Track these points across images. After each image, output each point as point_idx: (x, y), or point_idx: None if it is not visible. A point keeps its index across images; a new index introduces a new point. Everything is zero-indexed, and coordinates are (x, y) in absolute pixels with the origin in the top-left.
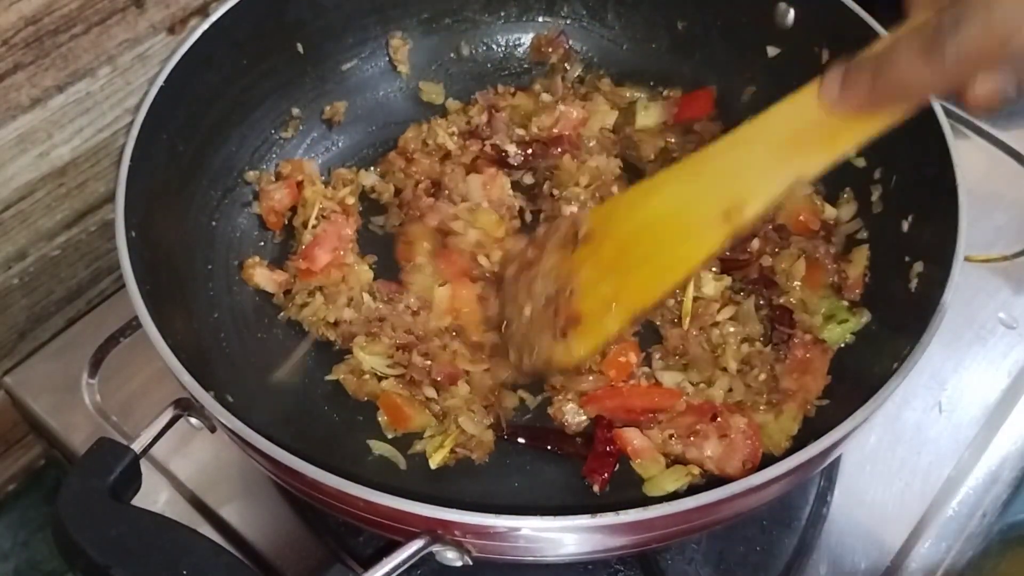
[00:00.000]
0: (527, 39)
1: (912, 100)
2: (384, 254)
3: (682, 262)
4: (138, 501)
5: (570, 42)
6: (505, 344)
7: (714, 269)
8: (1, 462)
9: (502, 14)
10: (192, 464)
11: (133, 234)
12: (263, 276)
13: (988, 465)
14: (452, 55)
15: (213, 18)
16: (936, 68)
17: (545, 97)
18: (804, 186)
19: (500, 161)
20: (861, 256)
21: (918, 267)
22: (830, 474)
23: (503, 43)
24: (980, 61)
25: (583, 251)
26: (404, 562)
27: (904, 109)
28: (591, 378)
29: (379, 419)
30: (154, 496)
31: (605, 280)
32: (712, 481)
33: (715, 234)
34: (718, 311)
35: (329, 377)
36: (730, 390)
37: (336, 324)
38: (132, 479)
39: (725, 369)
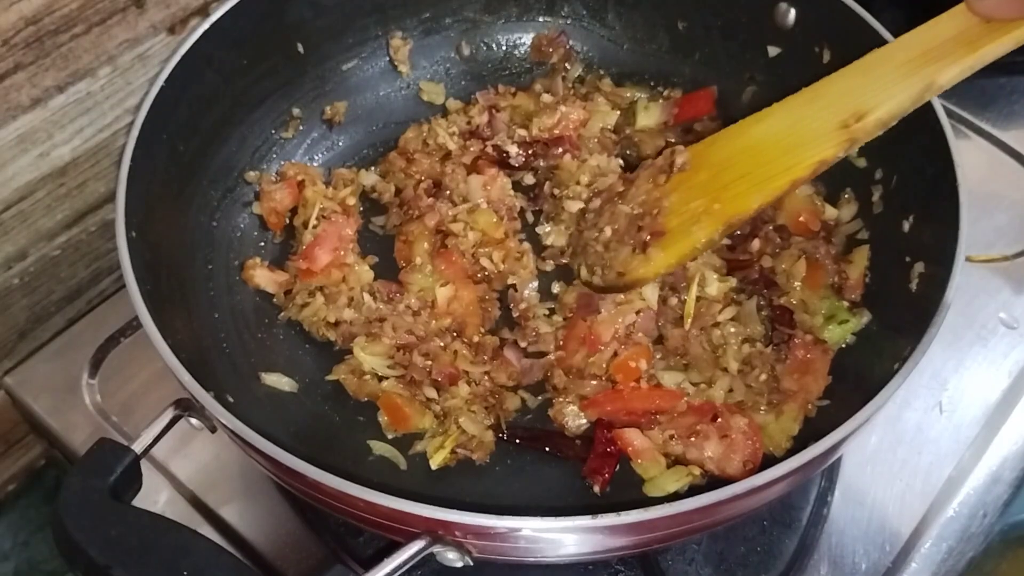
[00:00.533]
0: (528, 39)
1: None
2: (385, 254)
3: (787, 170)
4: (138, 501)
5: (571, 42)
6: (575, 266)
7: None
8: (1, 462)
9: (502, 14)
10: (192, 464)
11: (133, 234)
12: (263, 277)
13: (989, 465)
14: (452, 55)
15: (213, 18)
16: None
17: (546, 97)
18: (807, 186)
19: (501, 161)
20: (861, 256)
21: (919, 268)
22: (831, 474)
23: (503, 43)
24: None
25: (677, 178)
26: (405, 563)
27: None
28: (594, 382)
29: (380, 419)
30: (154, 496)
31: (697, 198)
32: (713, 482)
33: (829, 141)
34: (719, 312)
35: (329, 377)
36: (731, 390)
37: (336, 324)
38: (133, 479)
39: (726, 369)
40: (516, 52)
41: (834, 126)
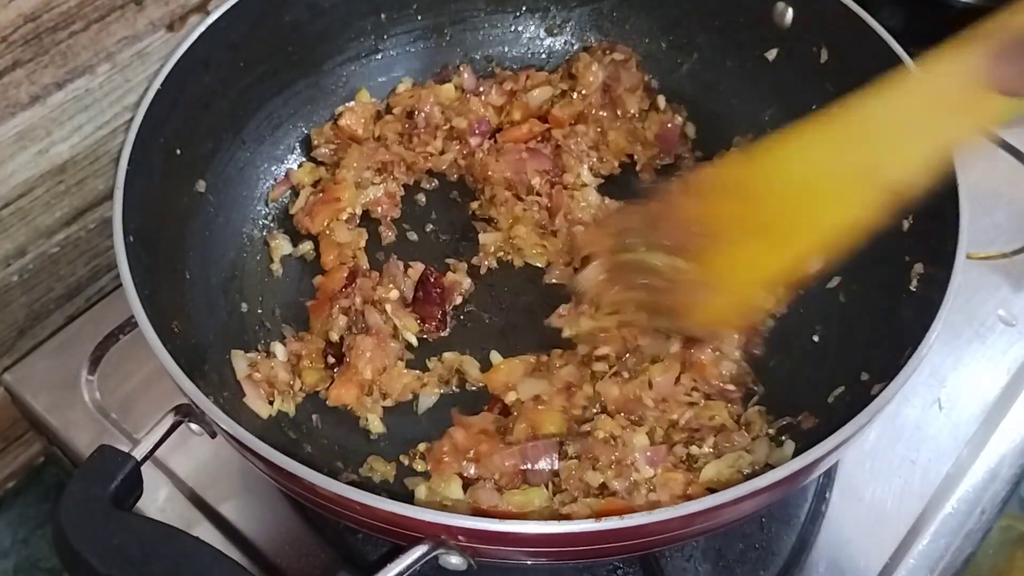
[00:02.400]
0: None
1: None
2: None
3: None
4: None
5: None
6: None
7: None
8: (1, 459)
9: (504, 16)
10: (192, 461)
11: (131, 239)
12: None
13: (987, 462)
14: (455, 59)
15: (210, 20)
16: None
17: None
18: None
19: None
20: None
21: (918, 268)
22: (829, 471)
23: (503, 48)
24: None
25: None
26: (408, 568)
27: None
28: None
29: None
30: (154, 494)
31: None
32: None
33: (858, 198)
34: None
35: None
36: None
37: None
38: (134, 486)
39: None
40: (515, 54)
41: (858, 176)
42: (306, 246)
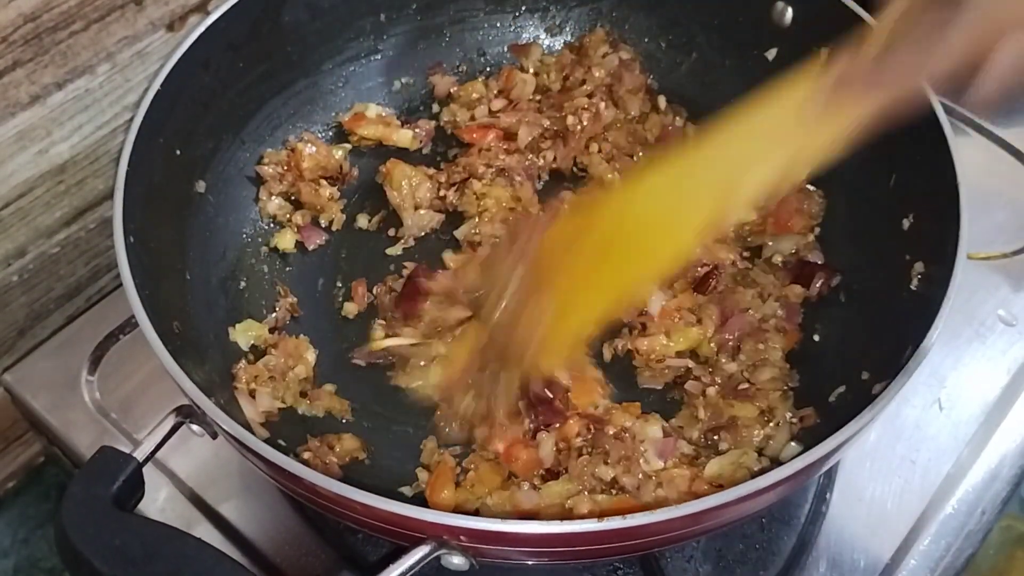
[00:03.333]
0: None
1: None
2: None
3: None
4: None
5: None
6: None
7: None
8: (1, 459)
9: (504, 16)
10: (192, 461)
11: (131, 239)
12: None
13: (987, 463)
14: (454, 59)
15: (209, 21)
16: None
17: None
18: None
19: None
20: None
21: (919, 267)
22: (829, 472)
23: (505, 48)
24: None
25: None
26: (411, 568)
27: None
28: None
29: None
30: (154, 494)
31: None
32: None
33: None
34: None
35: None
36: None
37: None
38: (135, 487)
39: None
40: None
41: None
42: None
